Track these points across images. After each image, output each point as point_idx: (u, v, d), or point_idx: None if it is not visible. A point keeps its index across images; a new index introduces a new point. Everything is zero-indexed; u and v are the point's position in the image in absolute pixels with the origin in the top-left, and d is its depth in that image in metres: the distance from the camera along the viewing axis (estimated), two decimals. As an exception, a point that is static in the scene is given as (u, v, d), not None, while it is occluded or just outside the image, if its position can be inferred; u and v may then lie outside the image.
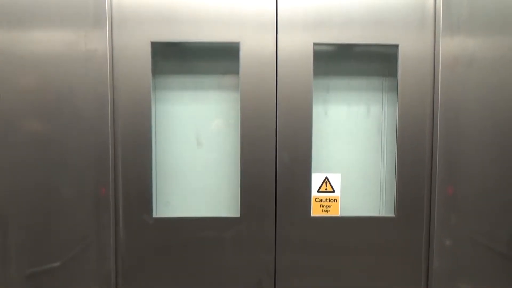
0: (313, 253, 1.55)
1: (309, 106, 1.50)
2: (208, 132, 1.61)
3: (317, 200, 1.55)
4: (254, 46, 1.47)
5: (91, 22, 1.41)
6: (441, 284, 1.54)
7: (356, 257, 1.56)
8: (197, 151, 1.62)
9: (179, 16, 1.46)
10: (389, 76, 1.62)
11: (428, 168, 1.52)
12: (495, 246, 1.54)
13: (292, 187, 1.52)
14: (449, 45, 1.47)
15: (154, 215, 1.52)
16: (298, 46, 1.48)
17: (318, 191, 1.56)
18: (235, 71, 1.51)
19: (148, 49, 1.46)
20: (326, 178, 1.56)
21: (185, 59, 1.61)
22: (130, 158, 1.48)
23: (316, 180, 1.55)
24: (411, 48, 1.50)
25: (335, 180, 1.57)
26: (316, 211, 1.55)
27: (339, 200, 1.57)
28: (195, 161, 1.62)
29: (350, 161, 1.65)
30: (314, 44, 1.48)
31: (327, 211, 1.56)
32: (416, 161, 1.53)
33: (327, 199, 1.56)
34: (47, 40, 1.41)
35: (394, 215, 1.55)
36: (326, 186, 1.56)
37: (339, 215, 1.57)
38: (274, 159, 1.50)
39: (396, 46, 1.50)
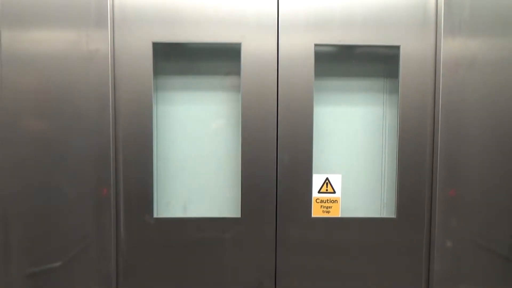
0: (314, 254, 1.55)
1: (310, 106, 1.50)
2: (209, 132, 1.61)
3: (317, 201, 1.55)
4: (256, 47, 1.48)
5: (93, 22, 1.42)
6: (442, 286, 1.54)
7: (357, 259, 1.56)
8: (198, 152, 1.62)
9: (180, 16, 1.46)
10: (390, 77, 1.62)
11: (429, 170, 1.52)
12: (496, 248, 1.54)
13: (292, 188, 1.52)
14: (451, 47, 1.47)
15: (155, 215, 1.52)
16: (299, 47, 1.48)
17: (319, 192, 1.56)
18: (236, 71, 1.52)
19: (149, 50, 1.46)
20: (327, 179, 1.56)
21: (187, 59, 1.61)
22: (131, 158, 1.48)
23: (317, 181, 1.55)
24: (413, 49, 1.50)
25: (336, 181, 1.57)
26: (316, 212, 1.55)
27: (339, 201, 1.57)
28: (196, 162, 1.62)
29: (351, 162, 1.65)
30: (315, 45, 1.48)
31: (328, 212, 1.56)
32: (417, 163, 1.53)
33: (327, 200, 1.56)
34: (49, 40, 1.41)
35: (395, 217, 1.55)
36: (326, 187, 1.56)
37: (339, 216, 1.57)
38: (275, 159, 1.50)
39: (398, 47, 1.50)
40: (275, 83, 1.49)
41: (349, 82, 1.64)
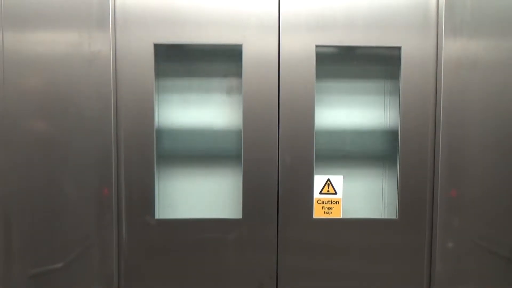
0: (315, 255, 1.55)
1: (312, 108, 1.50)
2: (210, 133, 1.61)
3: (319, 202, 1.55)
4: (257, 48, 1.48)
5: (94, 23, 1.42)
6: (443, 287, 1.53)
7: (358, 260, 1.55)
8: (199, 152, 1.62)
9: (182, 18, 1.47)
10: (391, 78, 1.62)
11: (431, 171, 1.52)
12: (498, 249, 1.54)
13: (294, 189, 1.52)
14: (452, 48, 1.47)
15: (157, 216, 1.53)
16: (300, 48, 1.48)
17: (320, 193, 1.56)
18: (235, 73, 1.52)
19: (151, 51, 1.47)
20: (328, 180, 1.56)
21: (188, 61, 1.61)
22: (133, 159, 1.48)
23: (318, 182, 1.55)
24: (414, 51, 1.50)
25: (337, 182, 1.57)
26: (318, 213, 1.55)
27: (341, 202, 1.57)
28: (198, 162, 1.62)
29: (353, 163, 1.65)
30: (317, 46, 1.48)
31: (329, 213, 1.56)
32: (419, 164, 1.52)
33: (329, 201, 1.56)
34: (51, 42, 1.41)
35: (397, 218, 1.55)
36: (328, 188, 1.56)
37: (341, 217, 1.57)
38: (277, 160, 1.51)
39: (399, 48, 1.50)
40: (276, 84, 1.49)
41: (350, 83, 1.64)
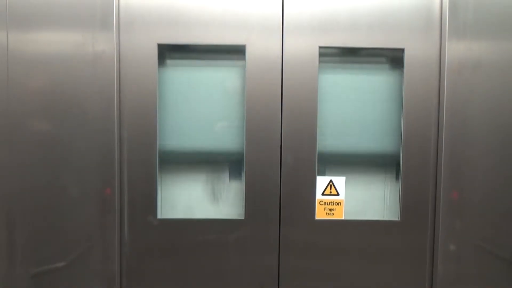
0: (317, 256, 1.55)
1: (314, 108, 1.50)
2: (213, 133, 1.61)
3: (321, 203, 1.55)
4: (260, 49, 1.48)
5: (98, 24, 1.43)
6: (445, 289, 1.53)
7: (360, 261, 1.55)
8: (202, 153, 1.62)
9: (185, 18, 1.47)
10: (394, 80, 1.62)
11: (433, 172, 1.52)
12: (500, 251, 1.54)
13: (296, 190, 1.52)
14: (455, 49, 1.47)
15: (159, 216, 1.53)
16: (304, 49, 1.48)
17: (323, 194, 1.56)
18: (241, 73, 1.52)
19: (154, 51, 1.47)
20: (331, 181, 1.56)
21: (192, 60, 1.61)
22: (136, 159, 1.49)
23: (321, 183, 1.55)
24: (417, 52, 1.50)
25: (340, 183, 1.57)
26: (320, 214, 1.55)
27: (343, 204, 1.57)
28: (200, 163, 1.62)
29: (355, 164, 1.64)
30: (320, 47, 1.49)
31: (332, 214, 1.56)
32: (421, 165, 1.52)
33: (331, 202, 1.56)
34: (56, 42, 1.42)
35: (399, 219, 1.55)
36: (330, 189, 1.56)
37: (343, 218, 1.57)
38: (279, 161, 1.51)
39: (402, 50, 1.50)
40: (279, 85, 1.49)
41: (353, 84, 1.63)
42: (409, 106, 1.51)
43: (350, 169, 1.63)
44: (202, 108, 1.59)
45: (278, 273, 1.55)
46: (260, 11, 1.48)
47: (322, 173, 1.58)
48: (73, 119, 1.44)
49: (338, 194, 1.56)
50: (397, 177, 1.59)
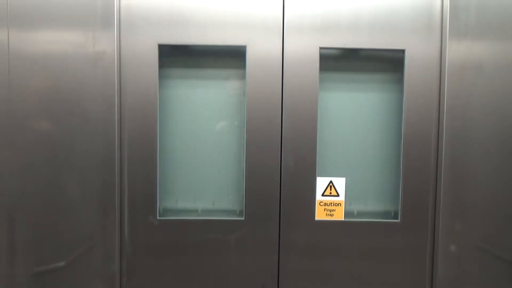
0: (317, 257, 1.55)
1: (315, 109, 1.50)
2: (214, 134, 1.61)
3: (321, 204, 1.55)
4: (261, 50, 1.48)
5: (99, 24, 1.43)
6: (445, 291, 1.53)
7: (360, 262, 1.55)
8: (202, 153, 1.62)
9: (186, 19, 1.47)
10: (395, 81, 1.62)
11: (434, 174, 1.52)
12: (501, 253, 1.53)
13: (296, 191, 1.52)
14: (456, 51, 1.47)
15: (159, 216, 1.53)
16: (304, 50, 1.48)
17: (323, 195, 1.56)
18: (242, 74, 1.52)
19: (155, 52, 1.47)
20: (331, 182, 1.56)
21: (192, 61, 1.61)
22: (136, 159, 1.49)
23: (321, 184, 1.55)
24: (418, 53, 1.49)
25: (340, 184, 1.57)
26: (320, 215, 1.55)
27: (343, 204, 1.57)
28: (201, 164, 1.62)
29: (355, 166, 1.64)
30: (321, 48, 1.48)
31: (331, 215, 1.56)
32: (422, 166, 1.52)
33: (331, 203, 1.56)
34: (56, 41, 1.42)
35: (399, 220, 1.55)
36: (330, 190, 1.56)
37: (343, 219, 1.57)
38: (279, 162, 1.51)
39: (403, 51, 1.50)
40: (280, 86, 1.49)
41: (354, 85, 1.63)
42: (410, 107, 1.51)
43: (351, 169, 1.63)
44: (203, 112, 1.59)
45: (278, 274, 1.55)
46: (261, 11, 1.47)
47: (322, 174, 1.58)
48: (73, 119, 1.44)
49: (338, 195, 1.56)
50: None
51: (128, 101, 1.47)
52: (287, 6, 1.48)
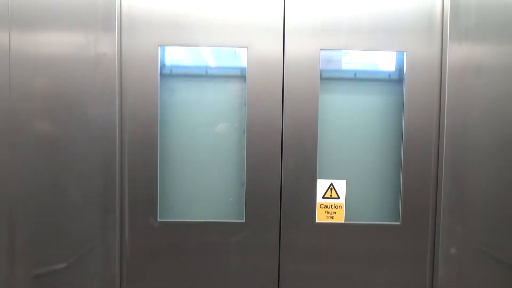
0: (317, 260, 1.55)
1: (315, 112, 1.50)
2: (214, 136, 1.61)
3: (322, 206, 1.55)
4: (262, 52, 1.48)
5: (100, 26, 1.43)
6: (446, 293, 1.53)
7: (361, 265, 1.55)
8: (203, 156, 1.62)
9: (187, 21, 1.47)
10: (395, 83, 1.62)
11: (434, 176, 1.52)
12: (501, 256, 1.53)
13: (297, 193, 1.52)
14: (457, 53, 1.47)
15: (159, 218, 1.53)
16: (305, 52, 1.48)
17: (323, 197, 1.56)
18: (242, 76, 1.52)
19: (156, 54, 1.47)
20: (331, 184, 1.56)
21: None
22: (137, 161, 1.49)
23: (321, 186, 1.55)
24: (418, 56, 1.50)
25: (340, 186, 1.57)
26: (320, 217, 1.55)
27: (343, 207, 1.57)
28: (201, 166, 1.62)
29: (356, 168, 1.64)
30: (321, 50, 1.49)
31: (332, 217, 1.56)
32: (422, 169, 1.52)
33: (332, 205, 1.56)
34: (57, 43, 1.42)
35: (399, 223, 1.55)
36: (331, 192, 1.56)
37: (343, 221, 1.57)
38: (280, 164, 1.51)
39: (403, 53, 1.50)
40: (280, 88, 1.49)
41: (355, 88, 1.63)
42: (410, 110, 1.51)
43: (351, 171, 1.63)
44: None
45: (278, 276, 1.55)
46: (262, 14, 1.48)
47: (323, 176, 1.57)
48: (74, 121, 1.44)
49: (338, 198, 1.56)
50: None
51: (129, 103, 1.47)
52: (287, 8, 1.48)
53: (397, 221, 1.56)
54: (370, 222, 1.59)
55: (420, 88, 1.50)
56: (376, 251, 1.55)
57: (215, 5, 1.47)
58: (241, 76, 1.57)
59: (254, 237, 1.53)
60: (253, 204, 1.52)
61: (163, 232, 1.52)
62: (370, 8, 1.48)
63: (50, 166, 1.45)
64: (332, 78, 1.59)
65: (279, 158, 1.51)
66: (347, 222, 1.57)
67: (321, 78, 1.50)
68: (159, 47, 1.47)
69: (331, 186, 1.56)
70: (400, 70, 1.56)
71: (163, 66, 1.55)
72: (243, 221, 1.53)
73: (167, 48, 1.56)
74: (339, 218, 1.56)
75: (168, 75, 1.58)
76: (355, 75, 1.61)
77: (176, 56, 1.63)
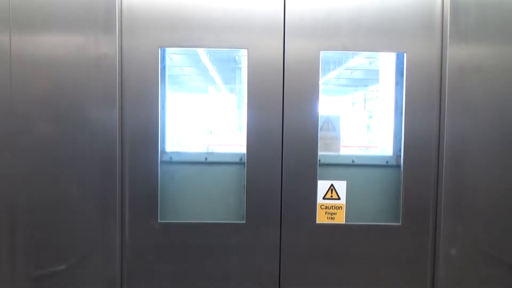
0: (318, 260, 1.54)
1: (316, 112, 1.50)
2: (214, 137, 1.62)
3: (322, 207, 1.55)
4: (262, 53, 1.49)
5: (101, 27, 1.43)
6: (446, 293, 1.53)
7: (361, 265, 1.55)
8: (203, 156, 1.62)
9: (187, 22, 1.47)
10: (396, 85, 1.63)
11: (434, 176, 1.52)
12: (501, 256, 1.53)
13: (297, 194, 1.52)
14: (457, 54, 1.47)
15: (160, 219, 1.53)
16: (305, 53, 1.49)
17: (324, 198, 1.55)
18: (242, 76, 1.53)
19: (156, 55, 1.47)
20: (332, 185, 1.56)
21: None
22: (137, 162, 1.49)
23: (322, 187, 1.55)
24: (418, 57, 1.50)
25: (341, 187, 1.57)
26: (321, 218, 1.55)
27: (344, 208, 1.57)
28: (202, 167, 1.62)
29: (356, 168, 1.64)
30: (322, 51, 1.49)
31: (333, 218, 1.56)
32: (422, 170, 1.52)
33: (332, 206, 1.56)
34: (58, 44, 1.42)
35: (400, 223, 1.55)
36: (331, 193, 1.56)
37: (344, 222, 1.56)
38: (280, 165, 1.51)
39: (403, 54, 1.50)
40: (281, 88, 1.49)
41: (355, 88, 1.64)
42: (410, 110, 1.51)
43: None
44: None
45: (279, 277, 1.54)
46: (262, 15, 1.48)
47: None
48: (75, 122, 1.44)
49: (339, 198, 1.56)
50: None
51: (130, 104, 1.47)
52: (288, 9, 1.48)
53: (398, 221, 1.56)
54: (371, 222, 1.59)
55: (420, 88, 1.50)
56: (377, 251, 1.55)
57: (215, 7, 1.47)
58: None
59: (255, 238, 1.53)
60: (254, 205, 1.52)
61: (164, 233, 1.52)
62: (371, 9, 1.48)
63: (50, 166, 1.44)
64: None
65: (280, 159, 1.50)
66: (347, 223, 1.56)
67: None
68: (159, 48, 1.47)
69: (332, 187, 1.56)
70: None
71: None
72: (244, 222, 1.53)
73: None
74: (340, 219, 1.56)
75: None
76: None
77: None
